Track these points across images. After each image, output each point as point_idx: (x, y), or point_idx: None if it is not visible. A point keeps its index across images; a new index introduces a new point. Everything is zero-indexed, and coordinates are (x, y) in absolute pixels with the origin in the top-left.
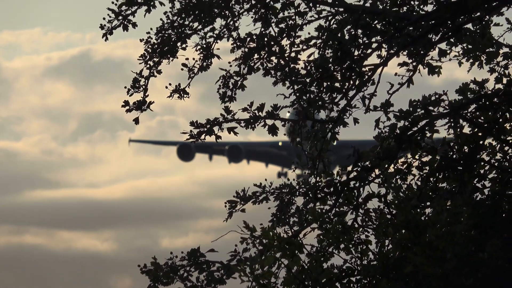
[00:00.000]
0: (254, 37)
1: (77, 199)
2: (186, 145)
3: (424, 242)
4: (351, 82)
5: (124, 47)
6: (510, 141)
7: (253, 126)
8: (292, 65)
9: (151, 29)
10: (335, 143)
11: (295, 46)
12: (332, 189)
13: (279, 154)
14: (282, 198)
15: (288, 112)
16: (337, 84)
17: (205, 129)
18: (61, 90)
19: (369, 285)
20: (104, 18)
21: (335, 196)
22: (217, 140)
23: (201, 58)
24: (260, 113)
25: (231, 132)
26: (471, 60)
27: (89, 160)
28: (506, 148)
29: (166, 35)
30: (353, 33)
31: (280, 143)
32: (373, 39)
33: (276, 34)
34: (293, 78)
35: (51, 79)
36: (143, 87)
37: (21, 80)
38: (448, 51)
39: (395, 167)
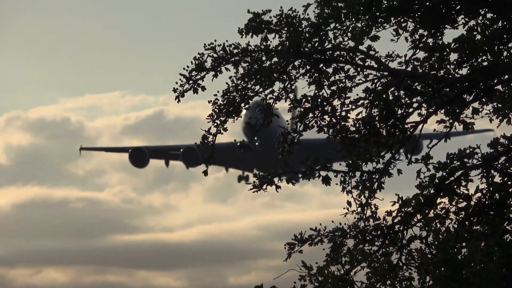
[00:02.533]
0: (309, 98)
1: (153, 242)
2: (138, 150)
3: (461, 278)
4: (395, 138)
5: (193, 108)
6: None
7: (309, 177)
8: (342, 123)
9: (218, 91)
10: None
11: (345, 106)
12: (379, 232)
13: (241, 155)
14: (335, 240)
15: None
16: (382, 139)
17: (267, 180)
18: (136, 144)
19: None
20: (176, 83)
21: (382, 238)
22: (277, 190)
23: (262, 117)
24: (314, 164)
25: (290, 182)
26: (500, 117)
27: (164, 208)
28: None
29: (231, 97)
30: (396, 94)
31: (238, 143)
32: (414, 99)
33: (328, 95)
34: (343, 134)
35: (129, 137)
36: (211, 143)
37: (103, 137)
38: (480, 110)
39: (435, 212)
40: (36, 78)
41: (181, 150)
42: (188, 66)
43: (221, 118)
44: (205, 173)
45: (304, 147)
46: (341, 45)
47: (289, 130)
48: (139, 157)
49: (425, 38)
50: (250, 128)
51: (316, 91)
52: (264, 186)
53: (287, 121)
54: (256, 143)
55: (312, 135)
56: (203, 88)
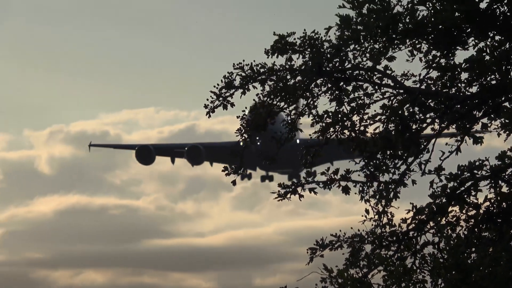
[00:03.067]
0: (330, 114)
1: (186, 247)
2: (145, 148)
3: (471, 281)
4: (410, 151)
5: (222, 122)
6: None
7: (329, 187)
8: (361, 137)
9: (246, 107)
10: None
11: (364, 121)
12: (394, 238)
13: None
14: (354, 246)
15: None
16: (398, 152)
17: (290, 189)
18: (160, 159)
19: None
20: (207, 99)
21: (397, 244)
22: (301, 199)
23: (287, 131)
24: (335, 176)
25: (312, 192)
26: (507, 132)
27: (195, 215)
28: None
29: (258, 112)
30: (411, 110)
31: (240, 143)
32: (428, 115)
33: (348, 111)
34: (362, 147)
35: None
36: (240, 155)
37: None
38: (489, 125)
39: (446, 220)
40: (77, 95)
41: (186, 148)
42: (218, 84)
43: (249, 133)
44: (234, 183)
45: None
46: (360, 65)
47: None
48: (145, 154)
49: (438, 58)
50: (275, 142)
51: (336, 108)
52: (288, 195)
53: (309, 135)
54: (258, 143)
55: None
56: (232, 105)
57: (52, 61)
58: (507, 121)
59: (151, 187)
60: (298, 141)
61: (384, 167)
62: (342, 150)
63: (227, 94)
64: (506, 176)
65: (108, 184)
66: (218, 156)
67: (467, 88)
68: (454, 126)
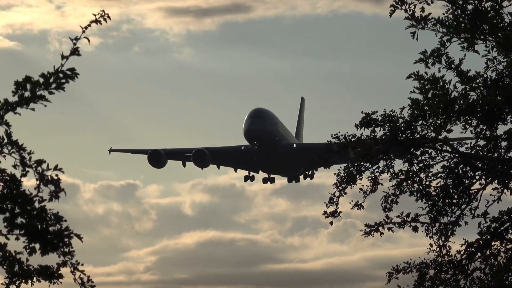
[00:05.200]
0: (403, 172)
1: (293, 270)
2: (156, 152)
3: None
4: (463, 200)
5: (321, 177)
6: None
7: (403, 226)
8: (427, 189)
9: (340, 167)
10: None
11: (428, 177)
12: (451, 265)
13: (244, 158)
14: (421, 271)
15: None
16: (454, 201)
17: (373, 228)
18: (282, 203)
19: None
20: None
21: (454, 269)
22: (381, 235)
23: (370, 185)
24: (407, 218)
25: (390, 230)
26: None
27: (300, 246)
28: None
29: (350, 170)
30: (464, 169)
31: (242, 147)
32: (477, 173)
33: (417, 170)
34: (427, 197)
35: (276, 196)
36: (336, 202)
37: (257, 197)
38: None
39: (490, 251)
40: None
41: (192, 152)
42: None
43: (343, 186)
44: (331, 223)
45: (305, 150)
46: (426, 136)
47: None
48: (156, 158)
49: (484, 131)
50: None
51: (408, 167)
52: (372, 233)
53: (388, 187)
54: (255, 146)
55: (311, 140)
56: (330, 165)
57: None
58: None
59: (267, 225)
60: (295, 145)
61: (444, 212)
62: (341, 155)
63: (327, 157)
64: None
65: (235, 223)
66: (223, 159)
67: (506, 153)
68: (496, 182)
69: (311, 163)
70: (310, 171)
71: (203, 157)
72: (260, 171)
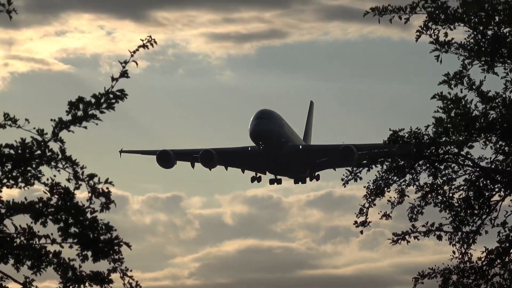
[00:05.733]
0: (428, 184)
1: (326, 275)
2: (165, 152)
3: None
4: (484, 210)
5: (351, 189)
6: None
7: (428, 235)
8: (450, 201)
9: (370, 180)
10: None
11: (452, 190)
12: (473, 270)
13: (251, 158)
14: (445, 276)
15: None
16: (476, 211)
17: (400, 237)
18: (315, 214)
19: None
20: (343, 174)
21: (475, 275)
22: (408, 243)
23: (397, 197)
24: (431, 227)
25: (416, 238)
26: None
27: (333, 253)
28: None
29: (378, 183)
30: (484, 182)
31: (249, 148)
32: (496, 186)
33: (441, 183)
34: (450, 208)
35: (310, 207)
36: (365, 213)
37: (293, 208)
38: None
39: (509, 258)
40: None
41: (200, 152)
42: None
43: (372, 197)
44: (361, 232)
45: (311, 152)
46: (449, 151)
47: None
48: (165, 158)
49: (503, 146)
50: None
51: (432, 180)
52: (399, 241)
53: (414, 199)
54: (261, 147)
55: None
56: (360, 178)
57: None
58: None
59: (302, 234)
60: (300, 147)
61: (466, 222)
62: (342, 159)
63: (357, 171)
64: None
65: (272, 232)
66: (230, 160)
67: None
68: None
69: (317, 165)
70: (316, 173)
71: (210, 158)
72: (267, 172)
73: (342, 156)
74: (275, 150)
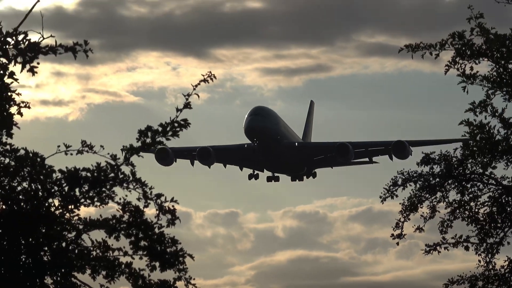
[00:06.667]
0: (456, 201)
1: (367, 281)
2: (163, 150)
3: None
4: (506, 223)
5: (389, 205)
6: None
7: (456, 246)
8: (476, 215)
9: (405, 197)
10: None
11: (477, 205)
12: (497, 277)
13: (247, 156)
14: (471, 282)
15: None
16: (499, 224)
17: (432, 247)
18: (357, 227)
19: None
20: (381, 193)
21: (498, 281)
22: (439, 253)
23: (429, 212)
24: (459, 239)
25: (446, 249)
26: None
27: (373, 262)
28: None
29: (412, 200)
30: (506, 199)
31: (245, 145)
32: None
33: (468, 199)
34: (476, 222)
35: (352, 221)
36: (401, 226)
37: (337, 222)
38: None
39: None
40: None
41: (197, 149)
42: (387, 184)
43: (407, 212)
44: (397, 244)
45: (307, 149)
46: (475, 171)
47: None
48: (163, 156)
49: None
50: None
51: (460, 197)
52: (431, 252)
53: (444, 214)
54: (255, 144)
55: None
56: (396, 196)
57: None
58: None
59: (345, 245)
60: (296, 144)
61: (490, 234)
62: (338, 157)
63: (393, 189)
64: None
65: (319, 243)
66: (228, 158)
67: None
68: None
69: (314, 162)
70: (313, 171)
71: (207, 155)
72: (264, 170)
73: (338, 154)
74: (271, 147)
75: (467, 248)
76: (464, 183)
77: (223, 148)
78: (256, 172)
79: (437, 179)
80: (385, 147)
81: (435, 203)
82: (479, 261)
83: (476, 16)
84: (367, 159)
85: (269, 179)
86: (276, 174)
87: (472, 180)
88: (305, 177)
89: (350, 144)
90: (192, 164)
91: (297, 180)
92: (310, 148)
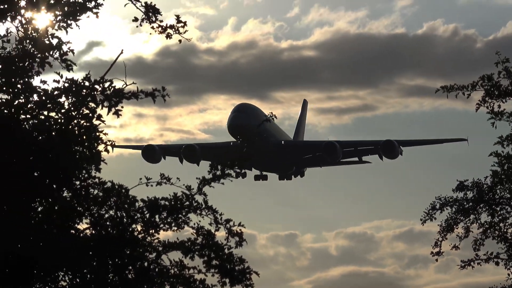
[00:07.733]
0: (487, 222)
1: None
2: (150, 147)
3: None
4: None
5: (427, 227)
6: None
7: (488, 261)
8: (505, 235)
9: (442, 220)
10: None
11: (506, 226)
12: None
13: (233, 153)
14: None
15: None
16: None
17: (467, 263)
18: (401, 245)
19: None
20: (422, 215)
21: None
22: (472, 268)
23: (464, 232)
24: (490, 255)
25: (479, 264)
26: None
27: (415, 276)
28: None
29: (449, 222)
30: None
31: (231, 143)
32: None
33: (497, 221)
34: (505, 240)
35: (397, 240)
36: (439, 245)
37: (383, 241)
38: None
39: None
40: (346, 206)
41: (183, 146)
42: (427, 208)
43: (444, 233)
44: (437, 260)
45: (294, 148)
46: (503, 196)
47: None
48: (150, 153)
49: None
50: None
51: (491, 219)
52: (466, 267)
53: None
54: (239, 141)
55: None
56: (435, 218)
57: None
58: None
59: (391, 261)
60: (283, 142)
61: None
62: (328, 158)
63: (432, 212)
64: None
65: (368, 260)
66: (213, 155)
67: None
68: None
69: (303, 161)
70: (301, 170)
71: (193, 152)
72: (252, 169)
73: (325, 152)
74: (256, 145)
75: (497, 263)
76: (494, 206)
77: (209, 146)
78: (243, 170)
79: (470, 203)
80: (374, 147)
81: (469, 224)
82: (508, 274)
83: (503, 61)
84: (356, 159)
85: (256, 177)
86: (264, 173)
87: (501, 204)
88: (293, 176)
89: (338, 143)
90: (181, 161)
91: (285, 179)
92: (297, 146)
